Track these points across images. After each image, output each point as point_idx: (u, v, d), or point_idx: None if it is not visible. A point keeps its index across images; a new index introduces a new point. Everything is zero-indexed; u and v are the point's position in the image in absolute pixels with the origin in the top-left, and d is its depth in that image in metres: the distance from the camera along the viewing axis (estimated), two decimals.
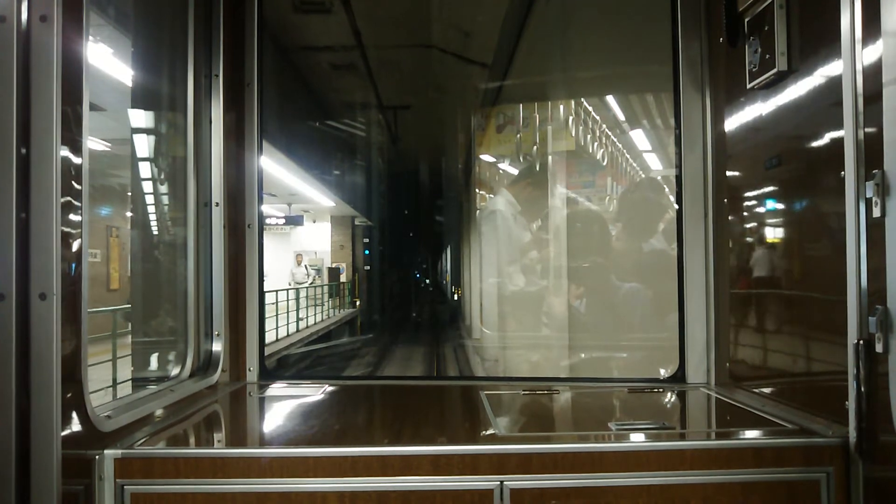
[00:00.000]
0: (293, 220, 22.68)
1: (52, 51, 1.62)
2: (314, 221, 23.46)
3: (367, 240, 20.32)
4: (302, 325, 15.25)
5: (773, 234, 2.47)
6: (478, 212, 6.15)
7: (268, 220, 20.95)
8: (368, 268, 19.63)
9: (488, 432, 2.23)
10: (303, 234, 23.86)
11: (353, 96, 9.74)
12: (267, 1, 3.10)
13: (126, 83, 3.02)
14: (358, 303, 19.30)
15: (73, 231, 1.71)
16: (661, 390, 2.88)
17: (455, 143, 8.50)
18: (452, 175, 9.31)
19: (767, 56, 2.31)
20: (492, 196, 5.55)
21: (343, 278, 21.82)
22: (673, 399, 2.80)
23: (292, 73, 8.08)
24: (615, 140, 4.71)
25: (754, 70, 2.41)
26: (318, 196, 16.67)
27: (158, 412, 2.29)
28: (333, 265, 22.52)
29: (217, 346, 2.81)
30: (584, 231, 4.28)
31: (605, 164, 4.78)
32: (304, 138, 10.61)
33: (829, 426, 2.00)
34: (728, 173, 2.75)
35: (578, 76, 4.72)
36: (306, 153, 11.57)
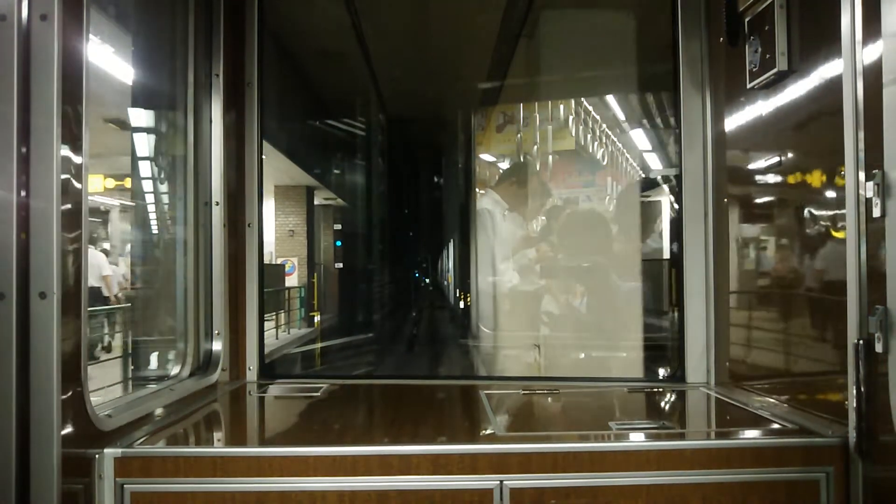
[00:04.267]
0: None
1: (52, 50, 1.61)
2: None
3: (338, 226, 12.67)
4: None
5: (773, 233, 2.47)
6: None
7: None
8: (341, 265, 11.61)
9: (488, 432, 2.23)
10: None
11: None
12: (267, 1, 3.11)
13: (126, 82, 3.02)
14: (318, 318, 11.62)
15: (73, 230, 1.71)
16: (660, 390, 2.89)
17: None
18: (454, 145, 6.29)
19: (768, 56, 2.31)
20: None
21: (293, 281, 13.44)
22: (673, 399, 2.80)
23: None
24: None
25: (754, 70, 2.41)
26: None
27: (158, 411, 2.29)
28: (279, 261, 13.86)
29: (217, 345, 2.81)
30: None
31: None
32: None
33: (828, 426, 2.00)
34: (728, 173, 2.75)
35: None
36: None
